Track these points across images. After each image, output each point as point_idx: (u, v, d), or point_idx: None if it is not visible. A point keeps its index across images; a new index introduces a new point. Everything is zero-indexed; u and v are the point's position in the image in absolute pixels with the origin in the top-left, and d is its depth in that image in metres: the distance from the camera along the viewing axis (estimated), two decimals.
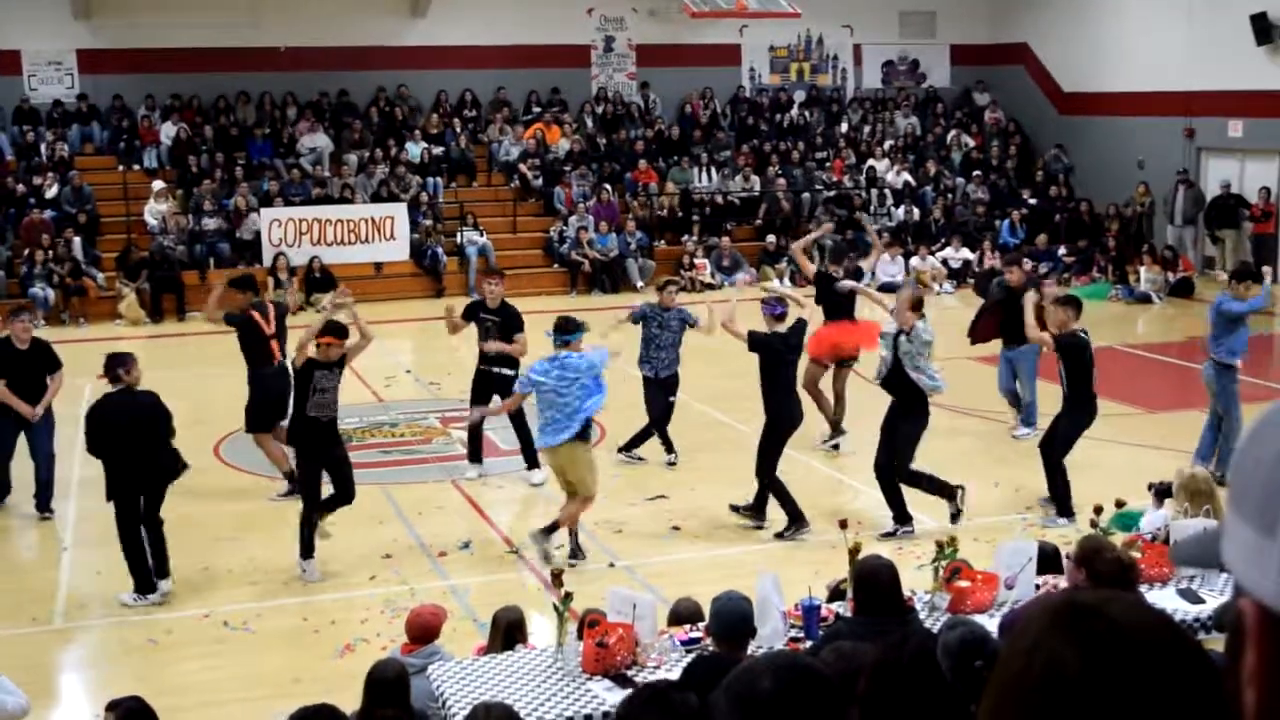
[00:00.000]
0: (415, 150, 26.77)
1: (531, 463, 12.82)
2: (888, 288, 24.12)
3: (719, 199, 27.21)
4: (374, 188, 25.67)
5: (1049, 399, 12.65)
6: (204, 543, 10.98)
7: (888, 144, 29.29)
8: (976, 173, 28.46)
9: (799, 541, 11.05)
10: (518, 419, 12.73)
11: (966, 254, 25.51)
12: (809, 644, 6.37)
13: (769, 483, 11.12)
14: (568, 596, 6.82)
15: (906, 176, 28.28)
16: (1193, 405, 13.82)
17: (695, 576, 9.98)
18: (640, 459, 13.44)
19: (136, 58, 26.23)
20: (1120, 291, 24.02)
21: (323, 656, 9.06)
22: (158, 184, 24.75)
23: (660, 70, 29.29)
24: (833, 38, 30.66)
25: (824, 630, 6.58)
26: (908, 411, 11.07)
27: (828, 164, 28.63)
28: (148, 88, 26.53)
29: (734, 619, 6.00)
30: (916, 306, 11.14)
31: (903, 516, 11.18)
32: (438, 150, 27.07)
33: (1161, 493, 8.90)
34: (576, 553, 10.67)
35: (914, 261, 25.30)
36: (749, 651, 5.96)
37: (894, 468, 11.13)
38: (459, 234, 25.18)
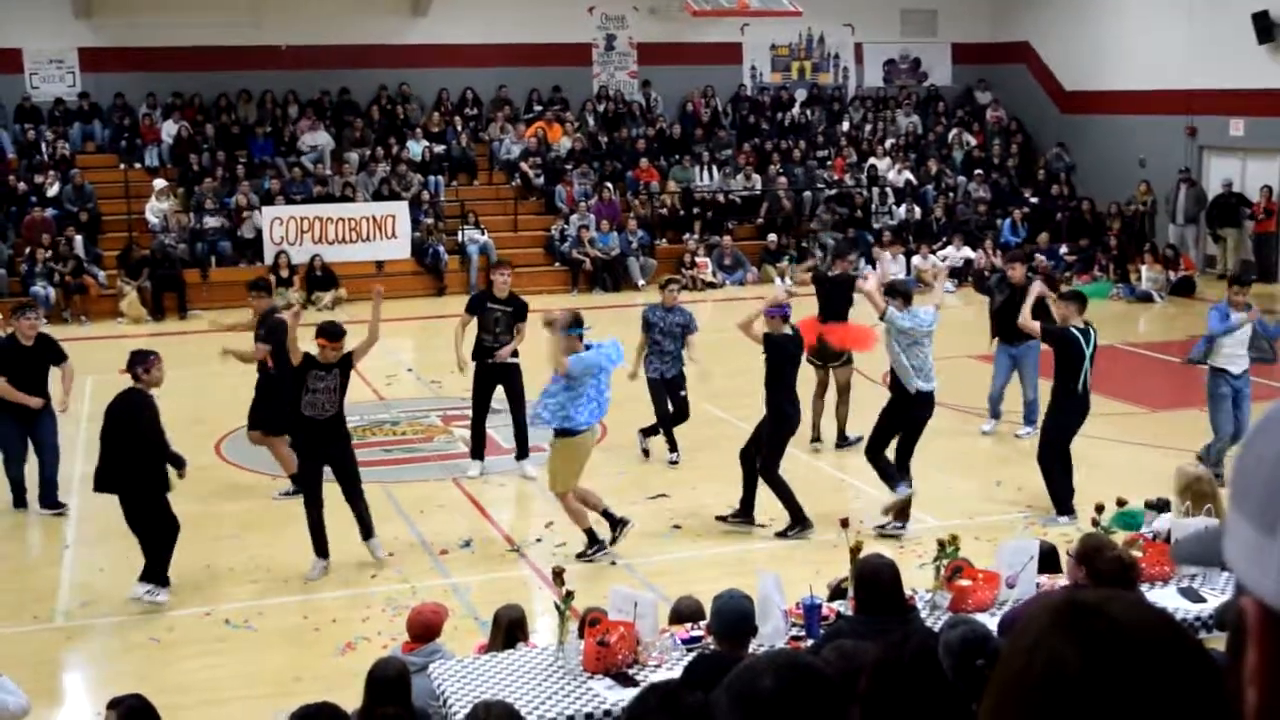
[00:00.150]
0: (416, 148, 26.77)
1: (523, 453, 13.09)
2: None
3: (720, 198, 27.20)
4: (375, 186, 25.68)
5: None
6: (205, 541, 10.97)
7: (889, 143, 29.28)
8: (978, 171, 28.45)
9: (800, 540, 11.05)
10: (518, 410, 12.87)
11: (968, 253, 25.50)
12: (810, 643, 6.37)
13: (772, 483, 11.12)
14: (569, 595, 6.83)
15: (908, 175, 28.27)
16: (1194, 404, 13.81)
17: (696, 575, 9.98)
18: (645, 451, 13.53)
19: (138, 56, 26.24)
20: (1122, 290, 24.02)
21: (324, 655, 9.06)
22: (159, 182, 24.75)
23: (661, 69, 29.29)
24: (834, 36, 30.66)
25: (825, 629, 6.59)
26: (891, 395, 11.24)
27: (829, 163, 28.62)
28: (149, 86, 26.54)
29: (735, 617, 6.00)
30: (890, 291, 11.30)
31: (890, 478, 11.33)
32: (439, 149, 27.07)
33: (1158, 506, 8.86)
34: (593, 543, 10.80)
35: (915, 260, 25.29)
36: (750, 650, 5.96)
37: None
38: (460, 232, 25.17)
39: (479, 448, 13.25)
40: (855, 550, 7.01)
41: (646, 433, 13.59)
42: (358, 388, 13.96)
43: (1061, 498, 11.44)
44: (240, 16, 26.21)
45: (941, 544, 7.38)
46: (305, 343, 10.65)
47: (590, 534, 10.75)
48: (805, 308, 13.40)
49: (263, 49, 26.71)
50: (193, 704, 8.21)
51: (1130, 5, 27.32)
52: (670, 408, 13.34)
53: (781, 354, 11.06)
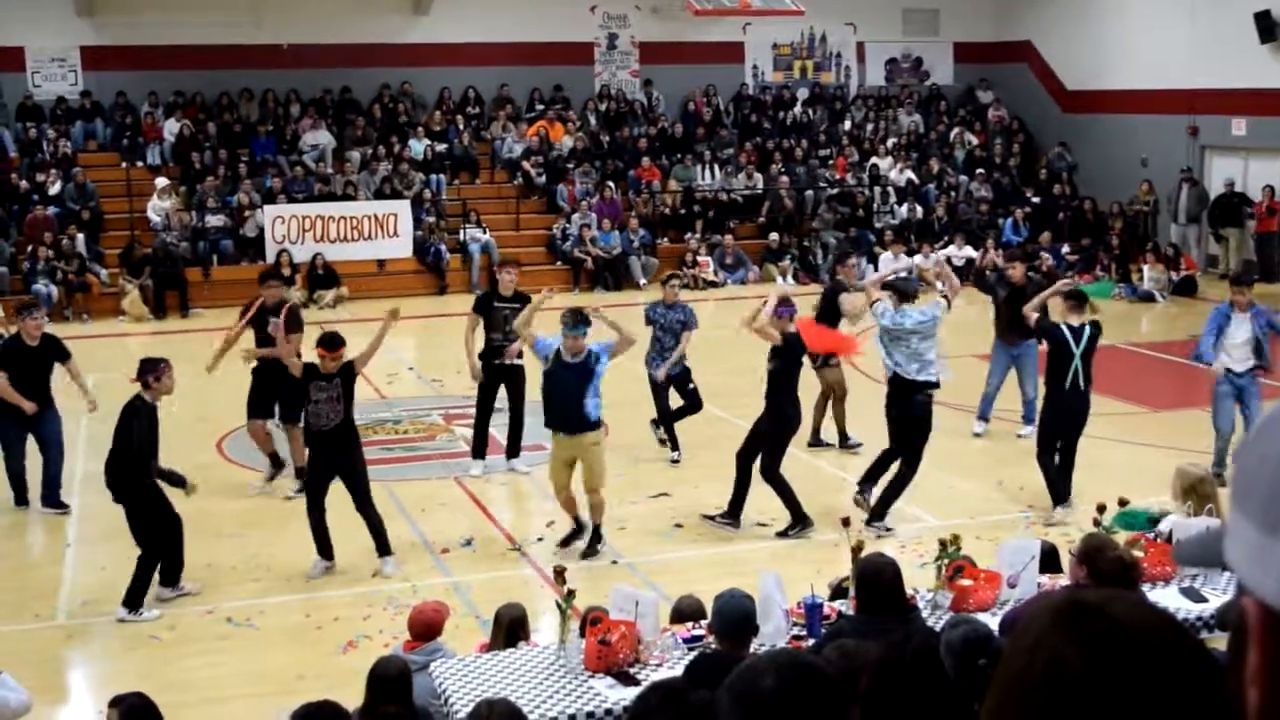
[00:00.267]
0: (418, 147, 26.78)
1: (514, 452, 13.21)
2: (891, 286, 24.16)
3: (722, 197, 27.20)
4: (377, 185, 25.68)
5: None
6: (207, 539, 10.97)
7: (891, 142, 29.28)
8: (980, 171, 28.45)
9: (801, 540, 11.06)
10: (518, 409, 12.95)
11: (970, 252, 25.49)
12: (811, 642, 6.37)
13: (775, 482, 11.12)
14: (570, 594, 6.83)
15: (909, 174, 28.27)
16: (1195, 404, 13.81)
17: (697, 574, 9.99)
18: (662, 441, 13.63)
19: (140, 54, 26.25)
20: (1123, 290, 24.02)
21: (326, 653, 9.07)
22: (161, 181, 24.76)
23: (663, 68, 29.29)
24: (836, 35, 30.66)
25: (826, 628, 6.59)
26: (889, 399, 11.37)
27: (831, 162, 28.62)
28: (151, 84, 26.55)
29: (736, 617, 6.00)
30: (887, 287, 11.49)
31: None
32: (441, 147, 27.08)
33: (1157, 520, 8.87)
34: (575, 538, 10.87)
35: (917, 259, 25.26)
36: (751, 649, 5.96)
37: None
38: (462, 231, 25.18)
39: (481, 446, 13.26)
40: (856, 549, 7.01)
41: (656, 423, 13.68)
42: (359, 386, 13.95)
43: (1054, 488, 11.57)
44: (242, 15, 26.21)
45: (943, 543, 7.38)
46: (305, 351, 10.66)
47: (595, 530, 10.85)
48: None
49: (265, 48, 26.72)
50: (194, 702, 8.21)
51: (1132, 5, 27.31)
52: (683, 402, 13.45)
53: (795, 354, 11.10)
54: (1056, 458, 11.60)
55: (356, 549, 10.67)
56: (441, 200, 26.04)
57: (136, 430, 9.74)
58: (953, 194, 28.05)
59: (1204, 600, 7.20)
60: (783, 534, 11.17)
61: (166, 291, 22.92)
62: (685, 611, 7.40)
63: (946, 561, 7.29)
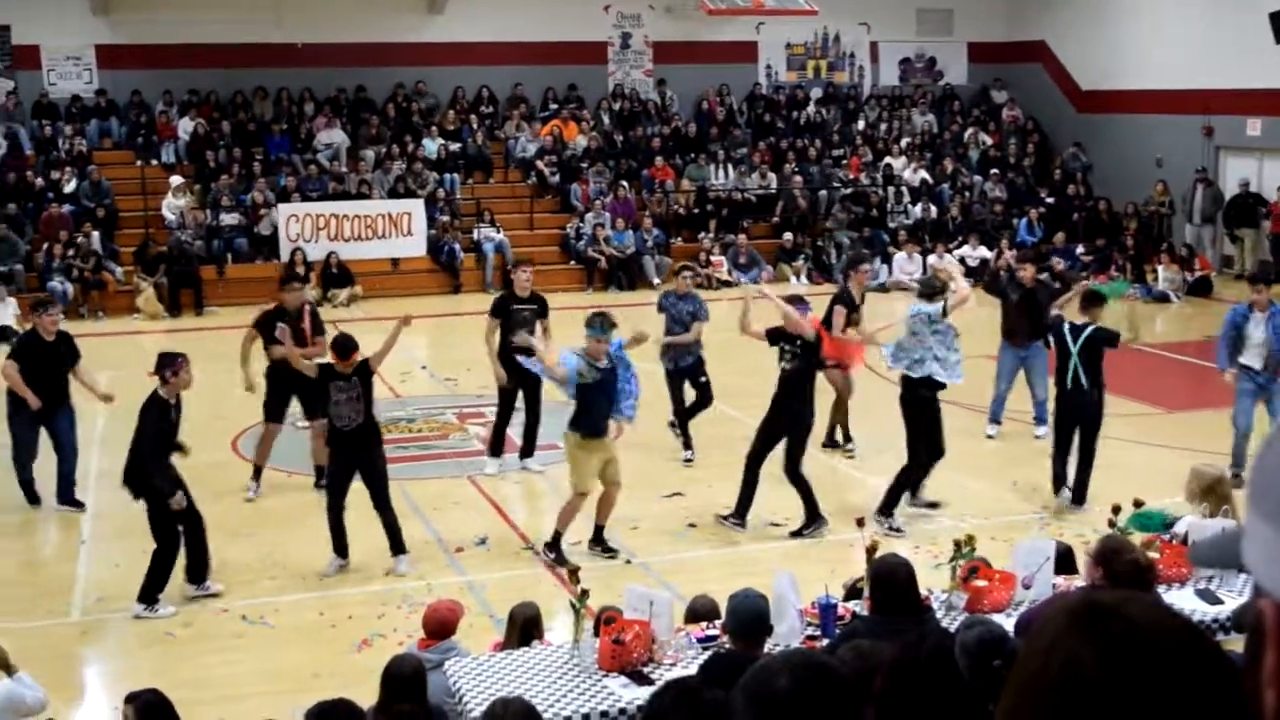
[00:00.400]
0: (432, 146, 26.81)
1: (529, 452, 13.23)
2: (905, 286, 24.14)
3: (736, 196, 27.19)
4: (391, 184, 25.72)
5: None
6: (222, 537, 10.98)
7: (905, 142, 29.25)
8: (994, 171, 28.41)
9: (816, 539, 11.05)
10: (534, 409, 12.94)
11: (984, 252, 25.45)
12: (825, 642, 6.37)
13: (796, 480, 11.13)
14: (584, 593, 6.84)
15: (923, 174, 28.23)
16: (1210, 405, 13.77)
17: (711, 574, 9.99)
18: (678, 435, 13.63)
19: (155, 53, 26.32)
20: (1138, 290, 23.95)
21: (340, 651, 9.08)
22: (175, 179, 24.81)
23: (677, 67, 29.29)
24: (849, 35, 30.63)
25: (840, 629, 6.58)
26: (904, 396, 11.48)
27: (844, 161, 28.59)
28: (166, 83, 26.61)
29: (750, 617, 6.00)
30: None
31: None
32: (455, 146, 27.10)
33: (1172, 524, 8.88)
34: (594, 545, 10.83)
35: (931, 259, 25.22)
36: (765, 649, 5.96)
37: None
38: (476, 230, 25.20)
39: (499, 445, 13.26)
40: (871, 550, 7.00)
41: (674, 424, 13.69)
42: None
43: (1055, 479, 11.82)
44: (257, 14, 26.23)
45: (957, 544, 7.37)
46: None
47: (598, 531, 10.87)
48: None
49: (279, 46, 26.76)
50: (210, 699, 8.23)
51: (1147, 5, 27.24)
52: (694, 396, 13.46)
53: (813, 353, 11.12)
54: (1073, 457, 11.68)
55: (371, 548, 10.69)
56: (455, 199, 26.07)
57: (145, 427, 9.77)
58: (967, 194, 28.00)
59: (1220, 602, 7.18)
60: (797, 533, 11.16)
61: (181, 289, 22.98)
62: (699, 611, 7.40)
63: (961, 562, 7.28)
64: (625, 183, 26.44)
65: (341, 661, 8.83)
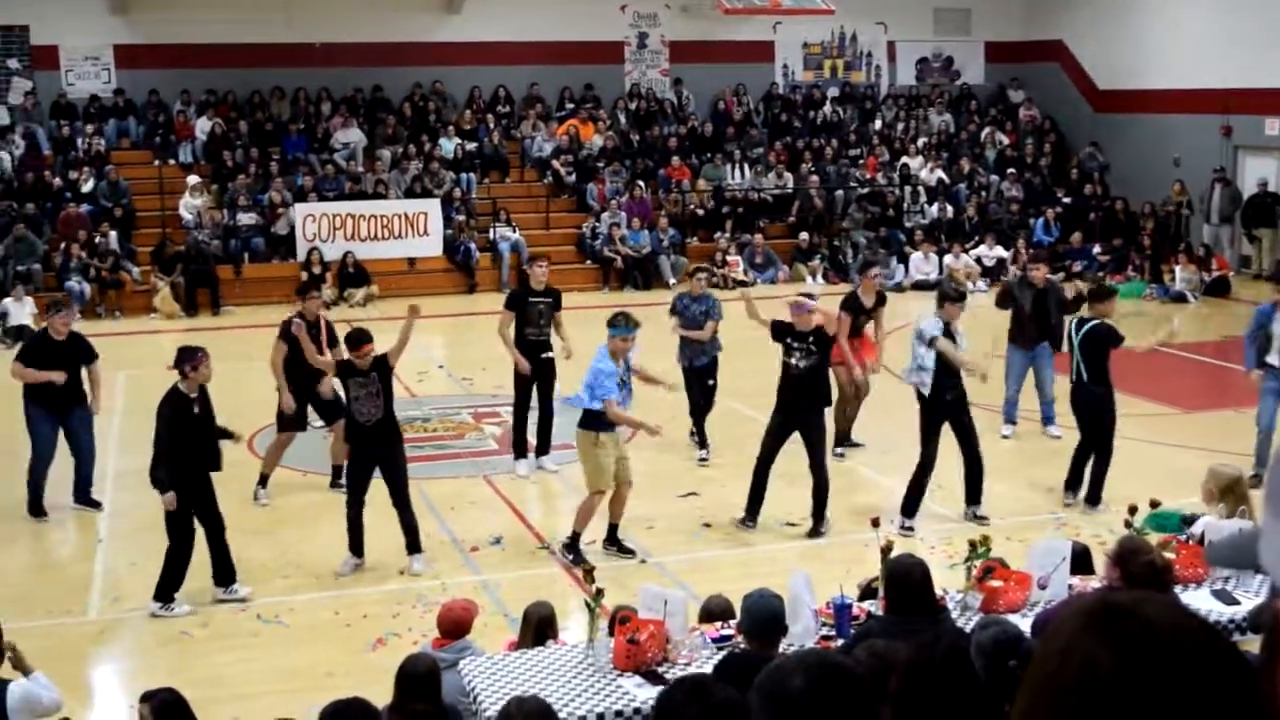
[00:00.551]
0: (449, 146, 26.84)
1: (544, 450, 13.25)
2: (922, 285, 24.13)
3: (752, 196, 27.18)
4: (407, 183, 25.76)
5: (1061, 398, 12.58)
6: (237, 536, 10.98)
7: (921, 141, 29.21)
8: (1011, 170, 28.35)
9: (831, 540, 11.04)
10: (547, 406, 13.00)
11: (1000, 252, 25.41)
12: (840, 642, 6.36)
13: (825, 479, 11.17)
14: (599, 593, 6.84)
15: (940, 174, 28.19)
16: (1228, 405, 13.73)
17: (726, 573, 9.99)
18: (699, 443, 13.64)
19: (172, 53, 26.40)
20: (1155, 291, 23.89)
21: (355, 650, 9.10)
22: (193, 179, 24.88)
23: (693, 67, 29.29)
24: (866, 34, 30.60)
25: (855, 629, 6.57)
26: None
27: (861, 161, 28.56)
28: (183, 83, 26.69)
29: (765, 617, 5.99)
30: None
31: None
32: (471, 146, 27.14)
33: (1190, 520, 8.85)
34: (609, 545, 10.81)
35: (948, 259, 25.21)
36: (780, 649, 5.95)
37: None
38: (492, 230, 25.22)
39: (522, 446, 13.26)
40: (886, 550, 6.99)
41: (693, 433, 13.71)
42: None
43: (1068, 479, 11.93)
44: (274, 14, 26.32)
45: (973, 544, 7.35)
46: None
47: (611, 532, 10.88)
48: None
49: (296, 46, 26.83)
50: (225, 698, 8.25)
51: (1164, 4, 27.17)
52: (701, 398, 13.48)
53: (827, 349, 11.14)
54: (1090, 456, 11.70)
55: (386, 547, 10.70)
56: (471, 199, 26.09)
57: (162, 423, 9.80)
58: (983, 194, 27.95)
59: (1236, 603, 7.16)
60: (815, 534, 11.15)
61: (198, 289, 23.04)
62: (714, 611, 7.39)
63: (976, 562, 7.26)
64: (641, 182, 26.45)
65: (356, 660, 8.84)
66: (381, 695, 6.12)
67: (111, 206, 24.15)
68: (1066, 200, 27.54)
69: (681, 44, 29.30)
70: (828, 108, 29.88)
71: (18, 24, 26.02)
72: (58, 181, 24.44)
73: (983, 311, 16.22)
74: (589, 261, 25.39)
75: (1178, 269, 23.90)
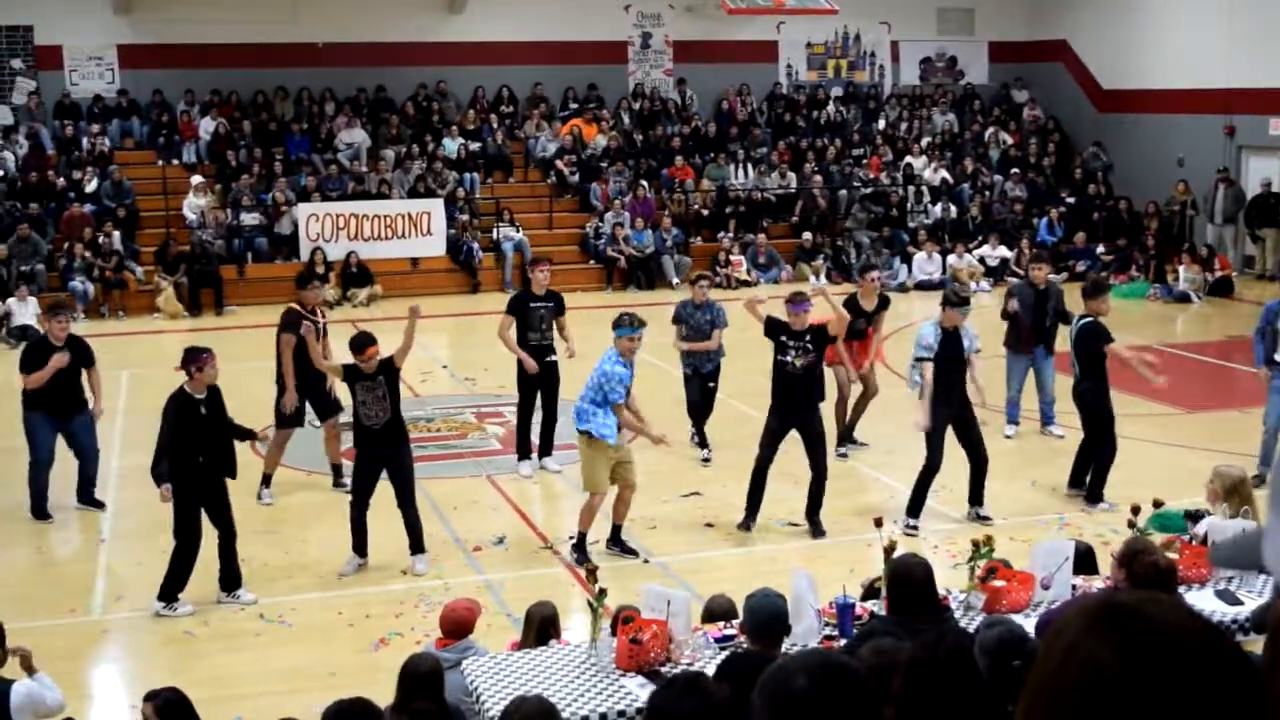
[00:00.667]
0: (452, 146, 26.84)
1: (547, 451, 13.26)
2: (925, 286, 24.13)
3: (755, 196, 27.17)
4: (411, 183, 25.77)
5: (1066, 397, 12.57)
6: (240, 536, 10.99)
7: (925, 141, 29.20)
8: (1014, 170, 28.33)
9: (833, 539, 11.04)
10: (552, 407, 13.00)
11: (1004, 252, 25.40)
12: (843, 642, 6.36)
13: (824, 478, 11.20)
14: (602, 593, 6.83)
15: (944, 174, 28.17)
16: (1231, 405, 13.71)
17: (729, 573, 9.99)
18: (700, 444, 13.64)
19: (176, 53, 26.42)
20: (1159, 291, 23.87)
21: (358, 650, 9.10)
22: (196, 179, 24.91)
23: (697, 67, 29.29)
24: (870, 34, 30.59)
25: (858, 629, 6.57)
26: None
27: (864, 161, 28.54)
28: (187, 83, 26.71)
29: (768, 616, 5.99)
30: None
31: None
32: (474, 146, 27.14)
33: (1195, 517, 8.86)
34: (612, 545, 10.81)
35: (951, 260, 25.20)
36: (783, 649, 5.95)
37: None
38: (495, 230, 25.23)
39: (525, 447, 13.26)
40: (889, 550, 6.99)
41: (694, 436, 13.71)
42: None
43: (1072, 474, 12.06)
44: (278, 14, 26.35)
45: (976, 544, 7.34)
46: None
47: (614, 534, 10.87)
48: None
49: (300, 46, 26.85)
50: (228, 697, 8.25)
51: (1168, 3, 27.14)
52: (699, 399, 13.48)
53: (822, 346, 11.15)
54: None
55: (389, 547, 10.70)
56: (475, 199, 26.10)
57: (165, 423, 9.79)
58: (987, 194, 27.94)
59: (1240, 603, 7.15)
60: (817, 534, 11.14)
61: (201, 289, 23.05)
62: (717, 611, 7.39)
63: (980, 562, 7.26)
64: (645, 182, 26.45)
65: (359, 660, 8.85)
66: (384, 695, 6.12)
67: (115, 206, 24.17)
68: (1070, 200, 27.52)
69: (685, 44, 29.30)
70: (831, 107, 29.86)
71: (22, 24, 26.04)
72: (61, 181, 24.47)
73: (986, 311, 16.20)
74: (592, 262, 25.39)
75: (1181, 269, 23.88)
